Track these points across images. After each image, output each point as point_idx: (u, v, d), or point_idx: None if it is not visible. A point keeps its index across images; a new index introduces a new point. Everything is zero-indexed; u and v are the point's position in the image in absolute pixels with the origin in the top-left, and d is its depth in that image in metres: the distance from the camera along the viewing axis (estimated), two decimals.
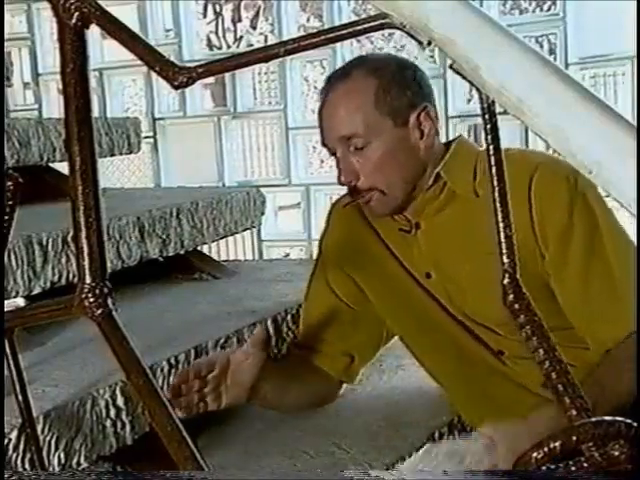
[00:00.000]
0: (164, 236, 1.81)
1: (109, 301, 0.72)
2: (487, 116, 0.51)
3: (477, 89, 0.47)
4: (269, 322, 1.58)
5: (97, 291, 0.72)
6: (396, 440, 1.41)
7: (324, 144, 1.34)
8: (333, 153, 1.32)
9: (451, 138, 1.40)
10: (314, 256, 1.64)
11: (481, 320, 1.32)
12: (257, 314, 1.61)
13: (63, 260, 1.49)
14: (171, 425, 0.65)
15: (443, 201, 1.32)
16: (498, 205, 0.52)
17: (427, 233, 1.34)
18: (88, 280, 0.72)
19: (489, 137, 0.51)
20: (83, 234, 0.72)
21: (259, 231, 3.33)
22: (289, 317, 1.64)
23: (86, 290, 0.72)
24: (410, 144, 1.29)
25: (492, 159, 0.51)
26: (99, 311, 0.72)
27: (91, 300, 0.72)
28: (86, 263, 0.72)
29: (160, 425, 0.65)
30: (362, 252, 1.44)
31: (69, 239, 1.50)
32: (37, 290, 1.44)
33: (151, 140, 3.47)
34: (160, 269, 2.00)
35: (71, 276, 1.50)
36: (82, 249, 0.73)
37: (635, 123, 0.41)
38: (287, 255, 3.74)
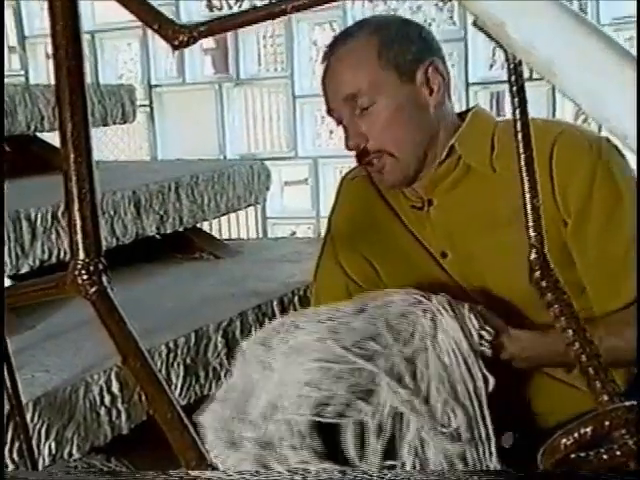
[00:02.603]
0: (161, 212, 1.81)
1: (104, 279, 0.72)
2: (513, 78, 0.51)
3: (502, 49, 0.46)
4: (275, 304, 1.58)
5: (91, 268, 0.72)
6: None
7: (329, 112, 1.34)
8: (339, 121, 1.32)
9: (472, 107, 1.40)
10: (323, 234, 1.64)
11: (501, 296, 1.33)
12: (262, 295, 1.62)
13: (53, 237, 1.50)
14: (171, 412, 0.65)
15: (457, 176, 1.32)
16: (525, 174, 0.52)
17: (440, 210, 1.34)
18: (81, 256, 0.72)
19: (516, 100, 0.51)
20: (76, 206, 0.72)
21: (263, 208, 3.34)
22: (296, 299, 1.65)
23: (79, 267, 0.72)
24: (419, 102, 1.30)
25: (519, 124, 0.51)
26: (93, 289, 0.72)
27: (85, 277, 0.72)
28: (79, 238, 0.72)
29: (159, 412, 0.66)
30: (375, 228, 1.44)
31: (59, 214, 1.50)
32: (25, 269, 1.45)
33: (147, 109, 3.47)
34: (157, 248, 2.00)
35: (62, 254, 1.50)
36: (75, 223, 0.73)
37: None
38: (293, 233, 3.74)
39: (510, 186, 1.26)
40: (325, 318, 1.11)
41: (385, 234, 1.42)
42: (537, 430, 1.33)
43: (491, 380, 1.09)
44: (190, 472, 0.80)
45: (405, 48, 1.29)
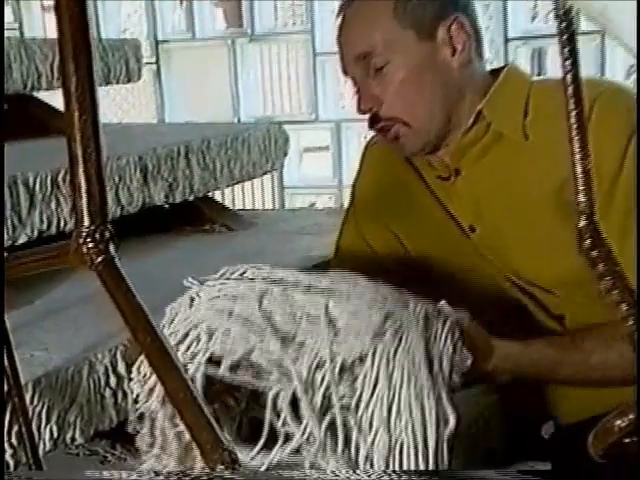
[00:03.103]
0: (170, 179, 1.82)
1: (111, 247, 0.73)
2: (563, 25, 0.51)
3: None
4: None
5: (97, 235, 0.73)
6: None
7: (344, 71, 1.34)
8: (355, 82, 1.32)
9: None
10: (345, 205, 1.64)
11: (536, 280, 1.33)
12: None
13: (53, 204, 1.51)
14: (184, 391, 0.66)
15: (486, 144, 1.32)
16: (575, 133, 0.51)
17: (468, 181, 1.34)
18: (86, 222, 0.73)
19: (566, 50, 0.51)
20: (80, 169, 0.73)
21: (281, 176, 3.34)
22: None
23: (84, 234, 0.73)
24: (439, 62, 1.28)
25: (568, 77, 0.50)
26: (99, 259, 0.72)
27: (90, 246, 0.73)
28: (84, 203, 0.73)
29: (172, 392, 0.66)
30: (401, 198, 1.44)
31: (59, 180, 1.51)
32: (22, 239, 1.46)
33: (153, 67, 3.48)
34: (165, 218, 2.01)
35: (62, 224, 1.52)
36: (79, 187, 0.73)
37: None
38: (313, 204, 3.74)
39: (545, 155, 1.26)
40: (277, 278, 1.10)
41: (412, 204, 1.42)
42: (577, 420, 1.33)
43: (451, 421, 0.99)
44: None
45: (425, 2, 1.28)
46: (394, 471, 0.96)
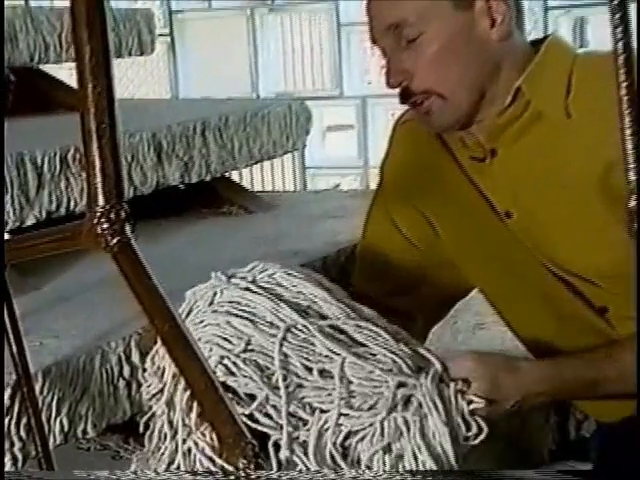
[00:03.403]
0: (186, 159, 1.82)
1: (127, 228, 0.73)
2: None
3: None
4: (317, 266, 1.59)
5: (112, 215, 0.73)
6: None
7: (373, 42, 1.33)
8: (385, 54, 1.31)
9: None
10: (372, 187, 1.64)
11: (577, 270, 1.32)
12: (301, 256, 1.63)
13: (62, 184, 1.52)
14: (205, 381, 0.66)
15: (525, 123, 1.30)
16: (626, 107, 0.51)
17: (505, 163, 1.33)
18: (100, 202, 0.73)
19: (616, 17, 0.50)
20: (94, 144, 0.73)
21: (302, 156, 3.34)
22: (342, 260, 1.65)
23: (98, 214, 0.73)
24: (476, 34, 1.27)
25: (619, 46, 0.50)
26: (115, 240, 0.73)
27: (105, 227, 0.73)
28: (98, 181, 0.73)
29: (192, 381, 0.67)
30: (433, 180, 1.43)
31: (69, 158, 1.52)
32: (30, 221, 1.47)
33: (167, 39, 3.48)
34: (181, 200, 2.02)
35: (72, 204, 1.52)
36: (93, 164, 0.73)
37: None
38: (337, 186, 3.74)
39: (589, 135, 1.25)
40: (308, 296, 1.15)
41: (444, 186, 1.42)
42: (618, 418, 1.32)
43: None
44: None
45: None
46: (409, 471, 0.98)
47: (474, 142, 1.35)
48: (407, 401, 1.06)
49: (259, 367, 1.08)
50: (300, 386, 1.07)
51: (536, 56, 1.31)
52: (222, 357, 1.09)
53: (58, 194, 1.51)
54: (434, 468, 1.02)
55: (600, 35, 2.98)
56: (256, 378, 1.06)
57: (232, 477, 0.65)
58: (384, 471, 1.00)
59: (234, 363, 1.08)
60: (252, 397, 1.06)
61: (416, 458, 1.04)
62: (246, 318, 1.12)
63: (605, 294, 1.31)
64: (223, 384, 1.05)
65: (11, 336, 1.01)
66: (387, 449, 1.04)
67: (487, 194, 1.37)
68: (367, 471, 1.01)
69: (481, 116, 1.31)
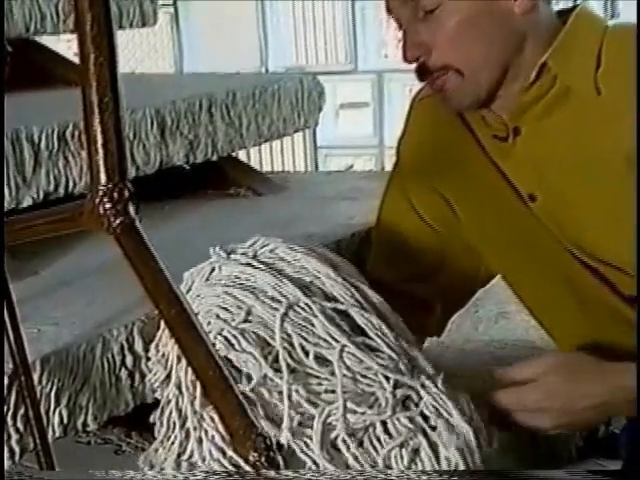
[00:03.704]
0: (191, 137, 1.82)
1: (131, 208, 0.74)
2: None
3: None
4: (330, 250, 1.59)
5: (115, 195, 0.73)
6: None
7: (388, 11, 1.33)
8: (400, 23, 1.31)
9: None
10: (387, 168, 1.65)
11: (605, 256, 1.32)
12: (314, 239, 1.63)
13: (60, 163, 1.52)
14: (213, 369, 0.67)
15: (551, 100, 1.30)
16: None
17: (529, 142, 1.33)
18: (103, 180, 0.74)
19: None
20: (96, 120, 0.74)
21: (314, 134, 3.34)
22: (356, 244, 1.65)
23: (100, 194, 0.74)
24: (498, 7, 1.27)
25: None
26: (118, 221, 0.73)
27: (107, 206, 0.73)
28: (100, 157, 0.73)
29: (199, 370, 0.67)
30: (453, 160, 1.44)
31: (67, 135, 1.52)
32: (27, 202, 1.47)
33: (170, 9, 3.48)
34: (185, 181, 2.02)
35: (71, 184, 1.53)
36: (94, 140, 0.74)
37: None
38: (351, 167, 3.74)
39: (620, 112, 1.25)
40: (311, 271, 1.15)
41: (464, 166, 1.42)
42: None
43: None
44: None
45: None
46: (423, 471, 0.99)
47: (496, 120, 1.35)
48: (403, 401, 1.07)
49: (259, 339, 1.08)
50: (293, 370, 1.07)
51: (563, 28, 1.30)
52: (221, 329, 1.09)
53: (56, 173, 1.52)
54: (460, 464, 1.03)
55: (632, 5, 2.96)
56: (256, 354, 1.06)
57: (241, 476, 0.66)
58: (413, 471, 1.01)
59: (234, 336, 1.08)
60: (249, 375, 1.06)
61: (437, 456, 1.04)
62: (247, 289, 1.13)
63: (635, 282, 1.31)
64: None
65: (8, 323, 1.02)
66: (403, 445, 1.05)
67: (509, 176, 1.37)
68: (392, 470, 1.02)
69: (503, 93, 1.31)
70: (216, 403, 0.66)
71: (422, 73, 1.32)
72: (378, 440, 1.05)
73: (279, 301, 1.11)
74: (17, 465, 1.08)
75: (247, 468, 0.64)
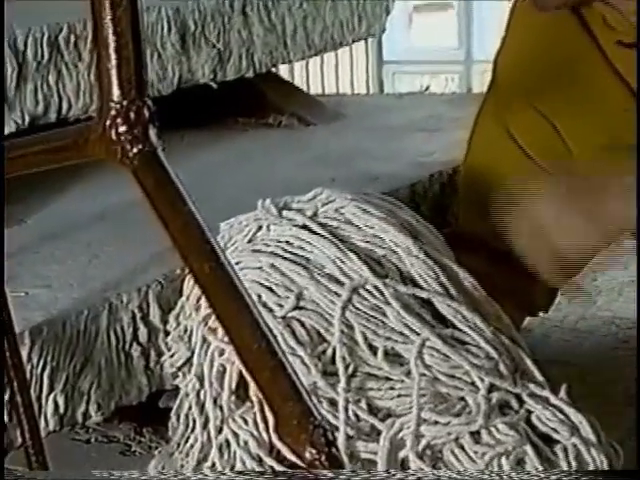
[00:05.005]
0: (220, 46, 1.82)
1: (152, 133, 0.73)
2: None
3: None
4: (401, 196, 1.59)
5: (132, 115, 0.72)
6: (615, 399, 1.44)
7: None
8: None
9: None
10: (476, 90, 1.65)
11: None
12: (380, 183, 1.63)
13: (51, 78, 1.51)
14: (259, 342, 0.65)
15: None
16: None
17: None
18: (116, 96, 0.73)
19: None
20: (107, 16, 0.73)
21: (380, 45, 3.32)
22: (436, 188, 1.66)
23: (113, 113, 0.72)
24: None
25: None
26: (135, 149, 0.72)
27: (122, 130, 0.72)
28: (112, 66, 0.72)
29: (241, 343, 0.66)
30: (565, 74, 1.44)
31: (60, 40, 1.52)
32: (8, 128, 1.47)
33: None
34: (212, 104, 2.02)
35: (64, 106, 1.52)
36: (106, 43, 0.73)
37: None
38: (427, 88, 3.73)
39: None
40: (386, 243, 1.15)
41: (580, 82, 1.43)
42: None
43: None
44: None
45: None
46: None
47: (620, 21, 1.35)
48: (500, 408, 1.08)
49: (310, 334, 1.10)
50: (355, 373, 1.08)
51: None
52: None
53: (46, 91, 1.52)
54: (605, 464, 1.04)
55: None
56: (305, 357, 1.08)
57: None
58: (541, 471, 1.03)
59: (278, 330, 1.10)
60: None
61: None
62: (298, 264, 1.13)
63: None
64: None
65: None
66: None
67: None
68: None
69: None
70: (262, 386, 0.65)
71: None
72: (463, 450, 1.06)
73: (340, 282, 1.11)
74: None
75: (301, 465, 0.62)
